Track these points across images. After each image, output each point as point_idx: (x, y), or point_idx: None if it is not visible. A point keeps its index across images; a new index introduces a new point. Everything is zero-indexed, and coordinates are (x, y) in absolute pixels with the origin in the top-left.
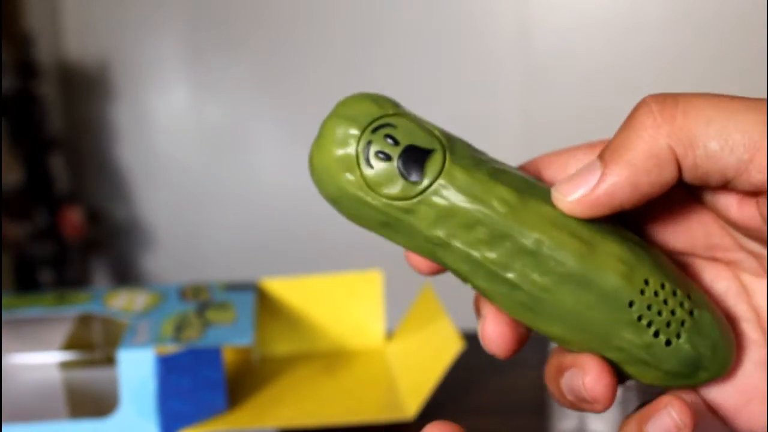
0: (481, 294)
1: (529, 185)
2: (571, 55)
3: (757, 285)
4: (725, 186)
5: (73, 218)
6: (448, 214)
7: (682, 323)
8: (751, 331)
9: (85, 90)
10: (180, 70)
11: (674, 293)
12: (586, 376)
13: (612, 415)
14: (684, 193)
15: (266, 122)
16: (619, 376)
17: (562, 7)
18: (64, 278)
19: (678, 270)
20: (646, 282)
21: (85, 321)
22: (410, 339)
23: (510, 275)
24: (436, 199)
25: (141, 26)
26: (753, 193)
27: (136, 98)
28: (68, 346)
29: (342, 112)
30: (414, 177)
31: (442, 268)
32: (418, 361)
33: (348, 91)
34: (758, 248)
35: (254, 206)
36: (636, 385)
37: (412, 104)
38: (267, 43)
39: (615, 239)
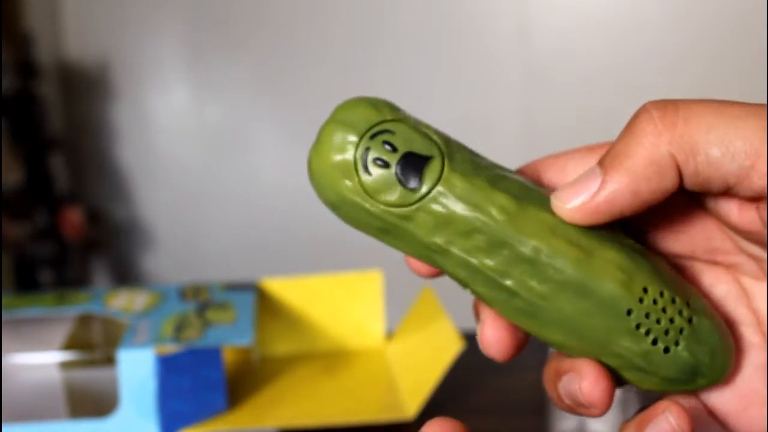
0: (480, 299)
1: (528, 191)
2: (571, 55)
3: (757, 288)
4: (726, 192)
5: (73, 218)
6: (446, 221)
7: (681, 331)
8: (750, 334)
9: (85, 90)
10: (180, 70)
11: (673, 301)
12: (583, 380)
13: (612, 415)
14: (684, 198)
15: (266, 122)
16: (617, 380)
17: (562, 7)
18: (64, 278)
19: (678, 276)
20: (645, 290)
21: (85, 321)
22: (410, 339)
23: (508, 282)
24: (434, 207)
25: (141, 26)
26: (753, 199)
27: (136, 98)
28: (68, 346)
29: (340, 117)
30: (412, 184)
31: (441, 271)
32: (418, 361)
33: (348, 91)
34: (758, 251)
35: (254, 206)
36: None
37: (412, 104)
38: (267, 43)
39: (614, 247)
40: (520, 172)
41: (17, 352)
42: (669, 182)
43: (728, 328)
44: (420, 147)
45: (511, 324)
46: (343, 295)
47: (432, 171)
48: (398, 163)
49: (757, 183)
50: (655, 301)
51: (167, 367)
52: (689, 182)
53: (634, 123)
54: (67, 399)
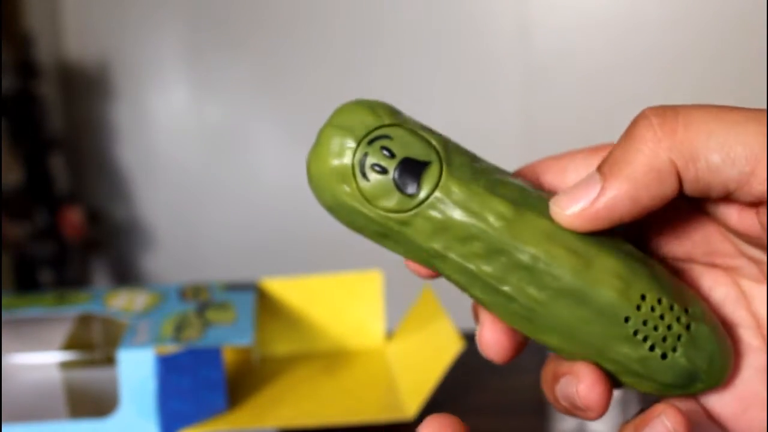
0: (479, 303)
1: (527, 196)
2: (571, 55)
3: (756, 291)
4: (726, 197)
5: (73, 218)
6: (444, 227)
7: (679, 337)
8: (750, 337)
9: (85, 90)
10: (180, 70)
11: (671, 308)
12: (580, 384)
13: (612, 416)
14: (683, 201)
15: (266, 122)
16: (616, 382)
17: (562, 7)
18: (64, 278)
19: (677, 282)
20: (643, 297)
21: (85, 321)
22: (410, 339)
23: (506, 288)
24: (432, 213)
25: (141, 26)
26: (753, 204)
27: (136, 98)
28: (68, 346)
29: (338, 121)
30: (410, 190)
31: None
32: (418, 361)
33: (348, 90)
34: (758, 254)
35: (254, 206)
36: None
37: (411, 105)
38: (267, 43)
39: (612, 253)
40: (519, 173)
41: (17, 352)
42: (669, 188)
43: (727, 330)
44: (418, 152)
45: (510, 327)
46: (343, 295)
47: (430, 177)
48: (396, 169)
49: (757, 188)
50: (652, 309)
51: (167, 367)
52: (689, 188)
53: (633, 129)
54: (67, 399)
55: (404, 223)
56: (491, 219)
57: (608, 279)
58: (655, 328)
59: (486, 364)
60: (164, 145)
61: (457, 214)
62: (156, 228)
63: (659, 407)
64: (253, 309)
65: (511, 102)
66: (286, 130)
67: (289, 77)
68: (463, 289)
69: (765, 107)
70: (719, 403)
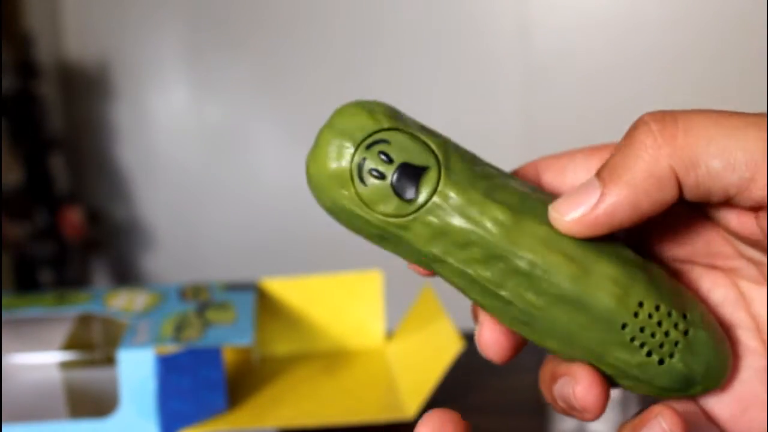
0: (477, 305)
1: (526, 201)
2: (571, 55)
3: (756, 293)
4: (725, 202)
5: (73, 218)
6: (442, 232)
7: (676, 344)
8: (749, 339)
9: (85, 90)
10: (180, 70)
11: (669, 314)
12: (577, 385)
13: (612, 415)
14: (683, 205)
15: (266, 122)
16: (613, 383)
17: (562, 7)
18: (64, 278)
19: (676, 286)
20: (641, 304)
21: (85, 321)
22: (410, 339)
23: (504, 293)
24: (430, 218)
25: (141, 26)
26: (752, 208)
27: (136, 98)
28: (68, 346)
29: (337, 124)
30: (408, 195)
31: None
32: (418, 361)
33: (348, 90)
34: (758, 255)
35: (254, 206)
36: None
37: (412, 105)
38: (267, 43)
39: (611, 260)
40: (520, 172)
41: (17, 352)
42: (669, 194)
43: (726, 332)
44: (416, 157)
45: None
46: (343, 295)
47: (428, 182)
48: (394, 174)
49: (756, 194)
50: (650, 315)
51: (167, 367)
52: (689, 194)
53: (633, 135)
54: (67, 399)
55: (403, 227)
56: (489, 225)
57: (606, 286)
58: (653, 335)
59: (486, 363)
60: (164, 145)
61: (455, 220)
62: (156, 228)
63: (656, 408)
64: (253, 309)
65: (511, 102)
66: (286, 130)
67: (289, 77)
68: (462, 292)
69: (765, 109)
70: (718, 404)
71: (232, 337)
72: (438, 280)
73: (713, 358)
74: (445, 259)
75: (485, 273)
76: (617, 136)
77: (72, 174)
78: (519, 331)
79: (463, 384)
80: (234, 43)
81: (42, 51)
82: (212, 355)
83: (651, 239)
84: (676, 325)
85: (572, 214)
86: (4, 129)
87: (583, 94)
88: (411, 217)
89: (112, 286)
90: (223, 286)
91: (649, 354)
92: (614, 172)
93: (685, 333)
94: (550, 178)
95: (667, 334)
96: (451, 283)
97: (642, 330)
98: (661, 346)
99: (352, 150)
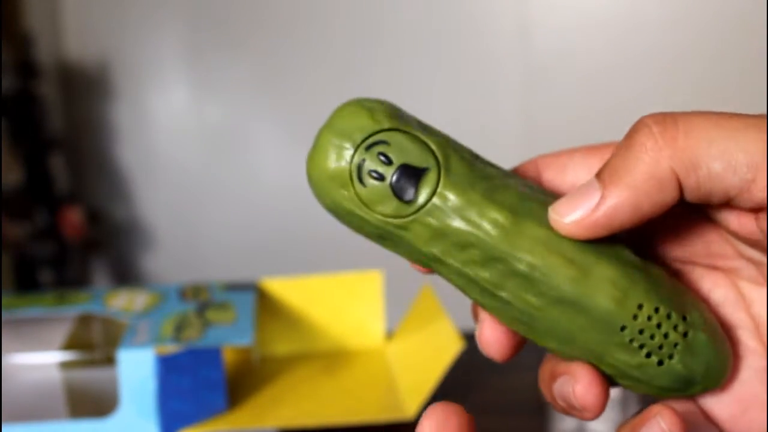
0: (477, 305)
1: (525, 201)
2: (571, 55)
3: (755, 294)
4: (725, 203)
5: (73, 218)
6: (442, 234)
7: (675, 345)
8: (748, 339)
9: (85, 90)
10: (180, 70)
11: (668, 316)
12: (577, 384)
13: (612, 415)
14: (682, 205)
15: (266, 122)
16: (613, 383)
17: (562, 7)
18: (64, 278)
19: (677, 286)
20: (640, 306)
21: (85, 321)
22: (410, 339)
23: (503, 294)
24: (430, 220)
25: (141, 26)
26: (752, 209)
27: (136, 98)
28: (68, 346)
29: (337, 124)
30: (407, 197)
31: None
32: (418, 361)
33: (348, 90)
34: (758, 256)
35: (254, 206)
36: None
37: (412, 104)
38: (267, 43)
39: (610, 262)
40: (520, 170)
41: (17, 352)
42: (669, 196)
43: (726, 332)
44: (415, 158)
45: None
46: (343, 295)
47: (427, 183)
48: (393, 175)
49: (757, 195)
50: (649, 318)
51: (167, 367)
52: (690, 195)
53: (633, 137)
54: (67, 399)
55: (402, 227)
56: (488, 227)
57: (605, 288)
58: (652, 337)
59: (486, 363)
60: (164, 145)
61: (454, 222)
62: (156, 228)
63: (655, 408)
64: (253, 309)
65: (511, 102)
66: (286, 130)
67: (289, 77)
68: (462, 291)
69: (765, 110)
70: (717, 404)
71: (232, 337)
72: (438, 279)
73: (713, 358)
74: (444, 259)
75: (484, 274)
76: (617, 136)
77: (72, 174)
78: (519, 331)
79: (464, 383)
80: (234, 43)
81: (42, 51)
82: (212, 355)
83: (650, 240)
84: (675, 327)
85: (572, 216)
86: (4, 129)
87: (583, 94)
88: (410, 218)
89: (112, 286)
90: (223, 286)
91: (648, 355)
92: (614, 174)
93: (685, 335)
94: (551, 177)
95: (666, 335)
96: (451, 282)
97: (641, 332)
98: (661, 347)
99: (351, 151)
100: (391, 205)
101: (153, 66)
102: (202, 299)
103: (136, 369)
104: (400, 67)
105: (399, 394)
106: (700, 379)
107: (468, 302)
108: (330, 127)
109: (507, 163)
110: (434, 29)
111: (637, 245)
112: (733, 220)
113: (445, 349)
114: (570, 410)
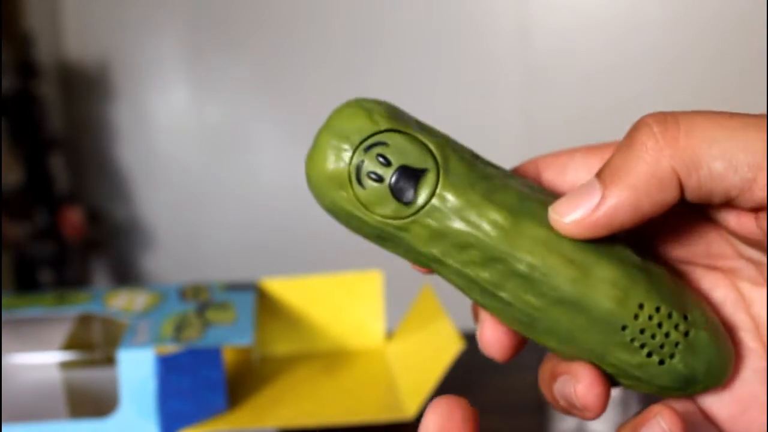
0: (478, 305)
1: (525, 201)
2: (571, 55)
3: (755, 294)
4: (726, 203)
5: (73, 218)
6: (441, 235)
7: (676, 345)
8: (748, 340)
9: (85, 90)
10: (180, 70)
11: (669, 315)
12: (578, 384)
13: (612, 415)
14: (682, 205)
15: (266, 122)
16: (614, 382)
17: (562, 7)
18: (64, 278)
19: (678, 285)
20: (641, 306)
21: (85, 321)
22: (410, 339)
23: (503, 294)
24: (429, 221)
25: (141, 26)
26: (753, 209)
27: (136, 98)
28: (68, 346)
29: (335, 125)
30: (406, 198)
31: None
32: (418, 361)
33: (348, 90)
34: (758, 255)
35: (254, 206)
36: None
37: (412, 104)
38: (267, 43)
39: (611, 261)
40: (520, 170)
41: (17, 352)
42: (670, 196)
43: (727, 333)
44: (414, 159)
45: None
46: (343, 295)
47: (426, 184)
48: (392, 177)
49: (758, 195)
50: (650, 317)
51: (167, 367)
52: (691, 195)
53: (634, 136)
54: (67, 399)
55: (401, 229)
56: (487, 228)
57: (605, 288)
58: (653, 336)
59: (486, 363)
60: (164, 145)
61: (454, 223)
62: (156, 228)
63: (656, 408)
64: (253, 309)
65: (511, 102)
66: (286, 130)
67: (289, 77)
68: (462, 291)
69: (765, 109)
70: (717, 404)
71: (232, 337)
72: (438, 279)
73: (714, 357)
74: (444, 260)
75: (484, 274)
76: (617, 136)
77: (72, 174)
78: (519, 331)
79: (464, 383)
80: (234, 43)
81: (42, 51)
82: (212, 355)
83: (651, 240)
84: (676, 327)
85: (572, 216)
86: (4, 129)
87: (583, 94)
88: (409, 219)
89: (112, 286)
90: (223, 286)
91: (649, 355)
92: (615, 174)
93: (686, 334)
94: (551, 176)
95: (667, 335)
96: (451, 282)
97: (642, 332)
98: (662, 347)
99: (349, 153)
100: (390, 207)
101: (153, 66)
102: (202, 299)
103: (136, 369)
104: (400, 67)
105: (399, 394)
106: (701, 378)
107: (468, 302)
108: (329, 128)
109: (507, 163)
110: (434, 29)
111: (637, 245)
112: (733, 219)
113: (445, 349)
114: (571, 410)
